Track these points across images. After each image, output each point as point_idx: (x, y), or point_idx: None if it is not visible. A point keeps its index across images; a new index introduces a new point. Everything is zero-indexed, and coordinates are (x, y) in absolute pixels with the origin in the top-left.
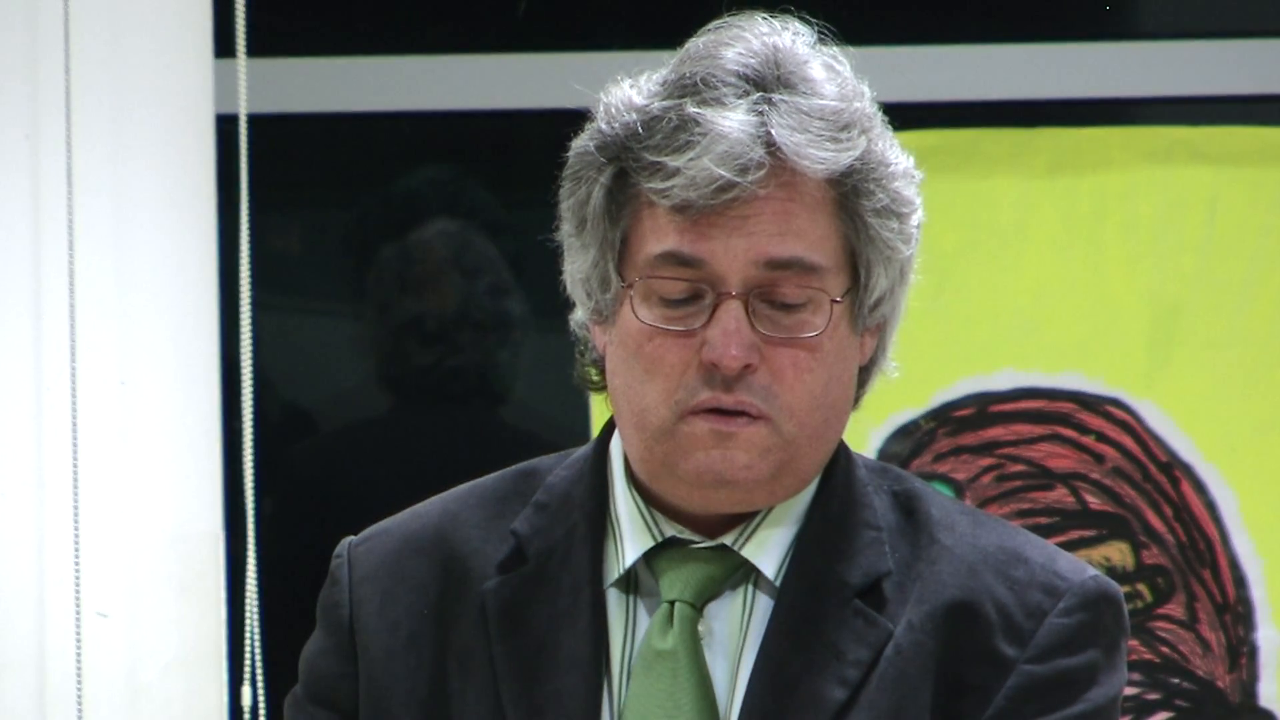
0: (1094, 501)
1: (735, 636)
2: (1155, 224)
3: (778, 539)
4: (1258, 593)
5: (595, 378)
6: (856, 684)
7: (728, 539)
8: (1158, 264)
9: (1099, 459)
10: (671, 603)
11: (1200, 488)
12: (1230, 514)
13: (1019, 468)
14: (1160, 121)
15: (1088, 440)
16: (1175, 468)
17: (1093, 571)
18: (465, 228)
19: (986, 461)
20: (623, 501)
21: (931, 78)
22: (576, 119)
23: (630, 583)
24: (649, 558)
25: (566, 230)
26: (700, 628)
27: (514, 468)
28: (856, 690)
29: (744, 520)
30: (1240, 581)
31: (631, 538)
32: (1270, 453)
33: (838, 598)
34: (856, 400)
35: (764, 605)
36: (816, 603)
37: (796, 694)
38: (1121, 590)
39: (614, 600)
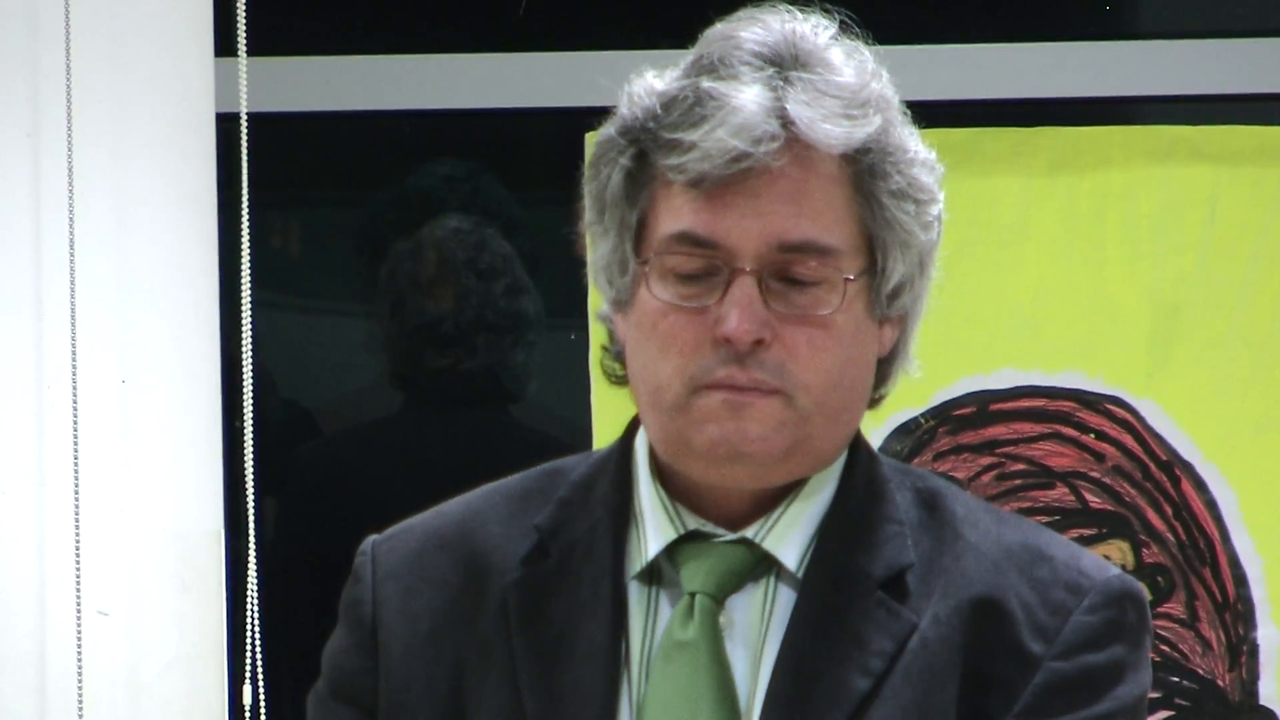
0: (1094, 500)
1: (757, 628)
2: (1155, 223)
3: (799, 532)
4: (1258, 591)
5: (620, 371)
6: (880, 674)
7: (749, 532)
8: (1158, 263)
9: (1099, 458)
10: (693, 594)
11: (1200, 486)
12: (1230, 513)
13: (1019, 466)
14: (1160, 120)
15: (1088, 439)
16: (1175, 466)
17: (1116, 570)
18: (469, 225)
19: (987, 460)
20: (646, 495)
21: (931, 77)
22: (575, 117)
23: (652, 575)
24: (671, 550)
25: (589, 219)
26: (721, 619)
27: (539, 467)
28: (880, 680)
29: (765, 513)
30: (1240, 580)
31: (654, 530)
32: (1270, 452)
33: (860, 589)
34: (879, 396)
35: (785, 597)
36: (839, 594)
37: (820, 683)
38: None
39: (636, 592)
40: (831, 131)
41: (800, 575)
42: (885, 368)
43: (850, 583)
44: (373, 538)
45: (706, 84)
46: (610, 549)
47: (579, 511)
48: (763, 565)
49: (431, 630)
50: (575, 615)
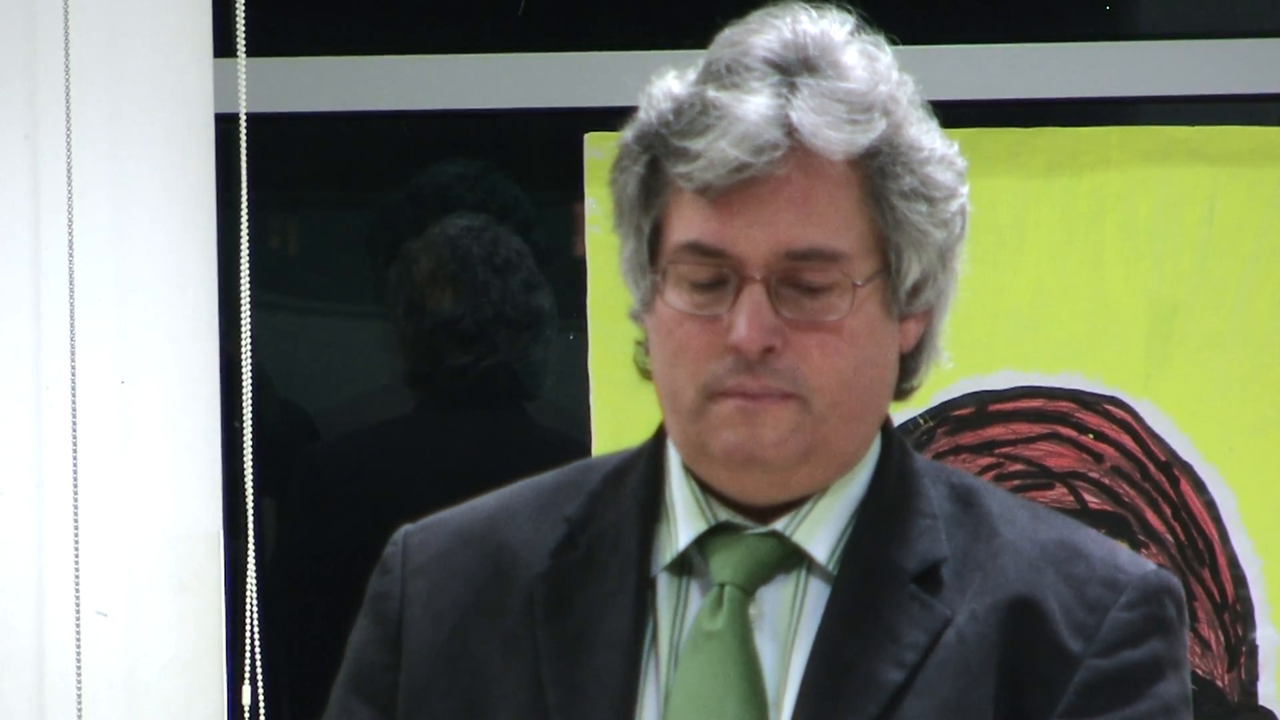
0: (1093, 500)
1: (787, 620)
2: (1153, 223)
3: (830, 525)
4: (1256, 592)
5: (650, 367)
6: (913, 667)
7: (779, 525)
8: (1156, 263)
9: (1098, 458)
10: (722, 585)
11: (1199, 487)
12: (1229, 513)
13: (1018, 467)
14: (1159, 121)
15: (1086, 439)
16: (1174, 467)
17: (1153, 565)
18: (481, 223)
19: (985, 461)
20: (678, 487)
21: (930, 77)
22: (574, 118)
23: (683, 566)
24: (702, 542)
25: (614, 221)
26: (751, 610)
27: (573, 464)
28: (913, 673)
29: (797, 506)
30: (1239, 581)
31: (685, 522)
32: (1269, 452)
33: (893, 582)
34: (908, 389)
35: (816, 590)
36: (872, 587)
37: (852, 676)
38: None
39: (666, 584)
40: (834, 138)
41: (832, 568)
42: (913, 361)
43: (883, 576)
44: (406, 528)
45: (712, 93)
46: (636, 541)
47: (608, 504)
48: (793, 558)
49: (455, 627)
50: (599, 606)
